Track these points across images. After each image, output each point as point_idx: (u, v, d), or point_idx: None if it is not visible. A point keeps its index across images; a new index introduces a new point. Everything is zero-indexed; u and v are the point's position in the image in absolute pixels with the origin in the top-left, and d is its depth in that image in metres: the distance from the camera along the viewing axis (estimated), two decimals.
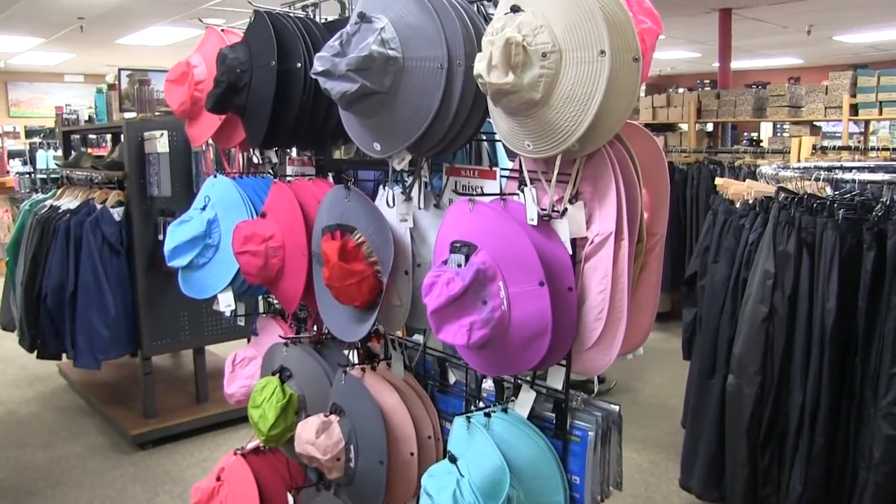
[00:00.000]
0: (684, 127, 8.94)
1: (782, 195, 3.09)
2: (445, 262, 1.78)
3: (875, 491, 2.73)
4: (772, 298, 2.99)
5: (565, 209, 1.71)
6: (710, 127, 9.39)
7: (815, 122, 8.06)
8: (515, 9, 1.63)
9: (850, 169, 3.65)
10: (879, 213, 2.83)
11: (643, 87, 14.30)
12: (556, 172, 1.67)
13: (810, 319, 2.91)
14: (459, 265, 1.75)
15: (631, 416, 4.85)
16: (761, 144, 8.52)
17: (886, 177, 3.13)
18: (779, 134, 12.96)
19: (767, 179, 3.45)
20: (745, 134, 13.28)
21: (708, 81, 13.73)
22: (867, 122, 8.22)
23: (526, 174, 1.76)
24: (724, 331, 3.23)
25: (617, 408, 1.94)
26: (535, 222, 1.73)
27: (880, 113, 7.23)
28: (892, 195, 2.92)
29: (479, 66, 1.59)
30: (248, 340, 2.87)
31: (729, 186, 3.45)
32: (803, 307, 2.93)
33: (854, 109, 7.35)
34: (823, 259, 2.88)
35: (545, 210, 1.75)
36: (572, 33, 1.56)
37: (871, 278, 2.77)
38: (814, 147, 6.22)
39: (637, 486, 3.95)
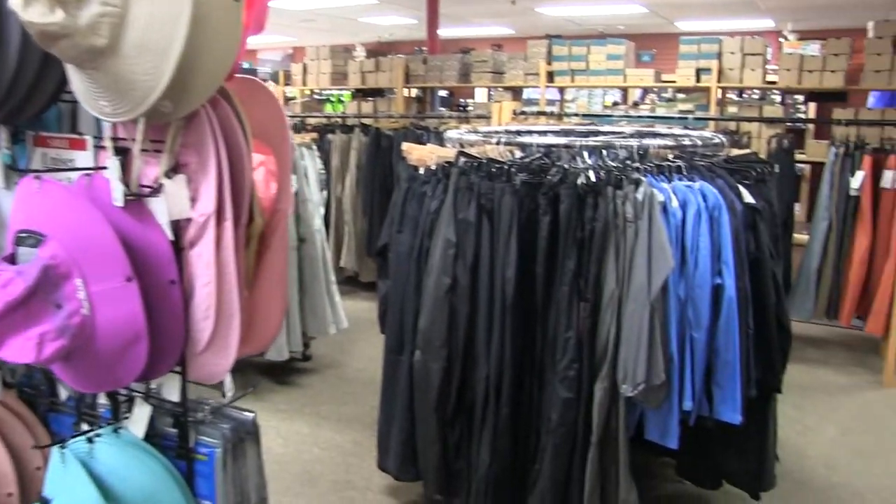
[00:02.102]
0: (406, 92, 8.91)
1: (462, 160, 2.97)
2: (12, 258, 1.40)
3: (554, 453, 2.73)
4: (454, 269, 2.86)
5: (161, 185, 1.39)
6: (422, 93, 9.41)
7: (520, 88, 8.30)
8: None
9: (533, 133, 3.63)
10: (555, 178, 2.77)
11: (363, 52, 14.16)
12: (139, 140, 1.34)
13: (492, 289, 2.82)
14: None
15: (336, 394, 4.66)
16: (467, 109, 8.66)
17: (563, 140, 3.11)
18: (492, 100, 13.37)
19: (453, 144, 3.32)
20: (461, 100, 13.57)
21: (426, 49, 13.86)
22: (562, 90, 8.59)
23: (108, 143, 1.42)
24: (409, 304, 3.07)
25: (252, 415, 1.66)
26: (120, 203, 1.39)
27: (572, 81, 7.56)
28: (571, 158, 2.91)
29: None
30: None
31: (412, 151, 3.28)
32: (485, 277, 2.83)
33: (551, 77, 7.62)
34: (502, 226, 2.79)
35: (143, 186, 1.42)
36: None
37: (547, 244, 2.72)
38: (514, 112, 6.33)
39: (338, 469, 3.74)
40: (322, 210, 4.96)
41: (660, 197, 2.57)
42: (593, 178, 2.69)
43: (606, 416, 2.64)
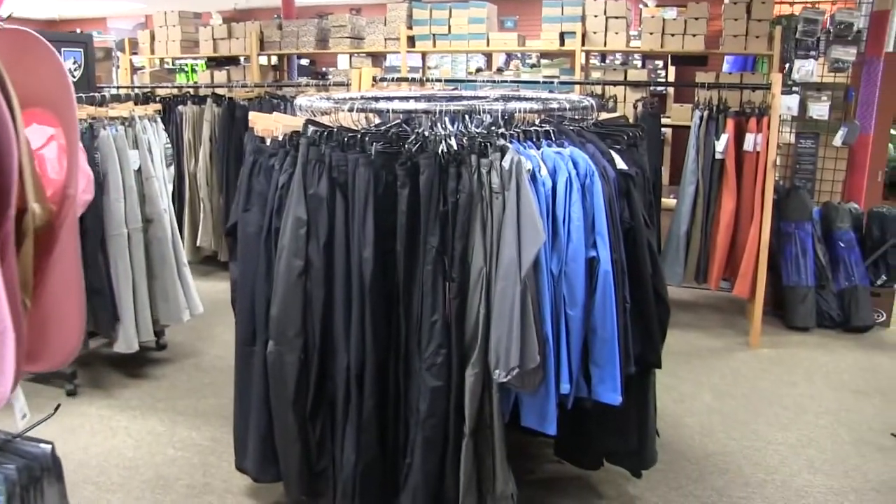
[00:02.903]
0: (263, 60, 8.46)
1: (311, 129, 2.68)
2: None
3: (425, 446, 2.54)
4: (306, 250, 2.59)
5: None
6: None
7: (382, 54, 8.00)
8: None
9: (393, 99, 3.37)
10: (414, 146, 2.52)
11: (219, 20, 13.44)
12: None
13: (349, 271, 2.57)
14: None
15: (194, 385, 4.31)
16: (328, 77, 8.32)
17: (423, 105, 2.86)
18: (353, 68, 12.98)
19: (303, 111, 3.02)
20: (323, 68, 13.18)
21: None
22: (424, 55, 8.34)
23: None
24: (260, 290, 2.78)
25: (49, 447, 1.35)
26: None
27: (434, 45, 7.32)
28: (430, 125, 2.66)
29: None
30: None
31: (258, 121, 2.96)
32: (340, 257, 2.57)
33: (412, 42, 7.36)
34: (358, 201, 2.54)
35: None
36: None
37: (407, 220, 2.49)
38: (374, 78, 6.05)
39: (195, 472, 3.41)
40: (170, 187, 4.55)
41: (528, 165, 2.36)
42: (455, 146, 2.47)
43: (479, 404, 2.45)
